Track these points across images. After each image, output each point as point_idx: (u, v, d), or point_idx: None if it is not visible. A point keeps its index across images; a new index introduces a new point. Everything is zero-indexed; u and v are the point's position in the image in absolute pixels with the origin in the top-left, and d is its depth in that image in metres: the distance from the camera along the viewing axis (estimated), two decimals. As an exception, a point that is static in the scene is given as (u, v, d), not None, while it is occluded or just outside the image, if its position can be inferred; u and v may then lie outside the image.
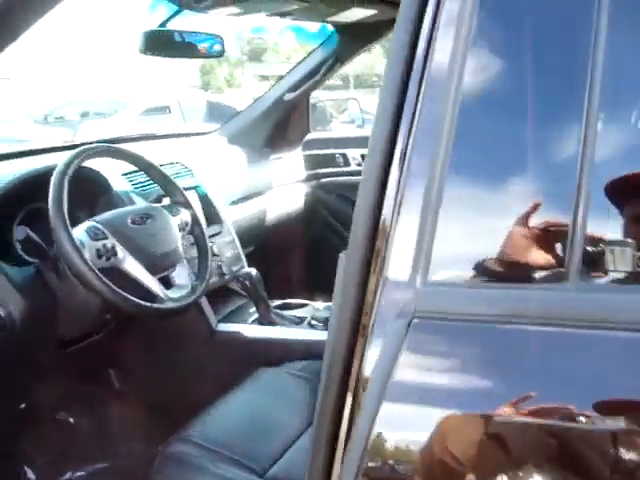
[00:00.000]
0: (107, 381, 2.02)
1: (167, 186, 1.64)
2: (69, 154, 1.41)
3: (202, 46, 1.85)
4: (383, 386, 0.59)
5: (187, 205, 1.63)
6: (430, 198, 0.60)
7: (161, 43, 1.76)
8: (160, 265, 1.48)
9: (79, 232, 1.37)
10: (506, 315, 0.58)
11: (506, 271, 0.61)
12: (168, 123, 9.66)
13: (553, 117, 0.61)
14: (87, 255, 1.33)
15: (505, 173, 0.63)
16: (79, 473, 1.92)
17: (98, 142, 1.76)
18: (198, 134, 2.66)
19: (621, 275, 0.55)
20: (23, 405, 1.68)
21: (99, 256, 1.36)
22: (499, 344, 0.59)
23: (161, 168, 1.65)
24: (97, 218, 1.44)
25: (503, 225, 0.60)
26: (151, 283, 1.42)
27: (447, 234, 0.61)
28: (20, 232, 1.32)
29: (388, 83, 0.66)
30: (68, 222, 1.31)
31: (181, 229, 1.58)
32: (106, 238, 1.38)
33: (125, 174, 1.84)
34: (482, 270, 0.61)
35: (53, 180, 1.34)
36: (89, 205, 1.71)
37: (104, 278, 1.31)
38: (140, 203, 1.74)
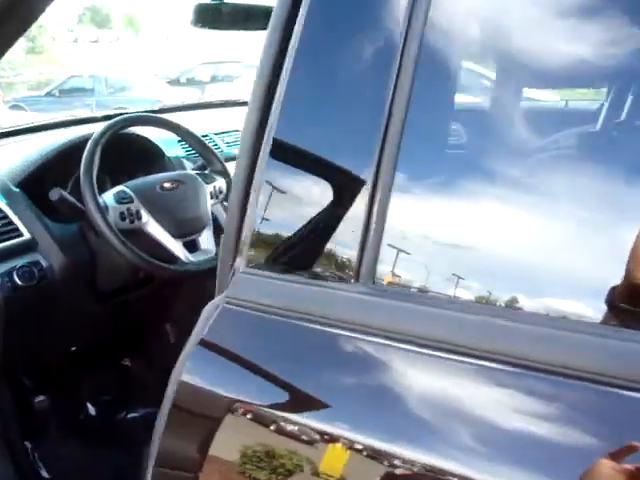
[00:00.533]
0: (164, 335, 2.16)
1: (205, 154, 1.73)
2: (105, 124, 1.52)
3: (255, 19, 1.89)
4: (183, 362, 0.63)
5: (224, 173, 1.71)
6: (258, 185, 0.63)
7: (212, 16, 1.81)
8: (186, 229, 1.57)
9: (108, 196, 1.49)
10: (297, 311, 0.59)
11: (308, 267, 0.62)
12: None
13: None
14: (110, 217, 1.44)
15: (317, 167, 0.63)
16: (133, 414, 2.10)
17: (145, 111, 1.88)
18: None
19: (414, 281, 0.55)
20: (74, 348, 1.85)
21: (122, 218, 1.47)
22: (288, 340, 0.61)
23: (200, 137, 1.73)
24: (128, 183, 1.55)
25: (312, 217, 0.61)
26: (173, 246, 1.52)
27: (267, 223, 0.63)
28: (54, 193, 1.45)
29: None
30: (95, 186, 1.43)
31: (214, 196, 1.66)
32: (132, 202, 1.49)
33: (180, 141, 1.95)
34: (287, 262, 0.62)
35: (87, 148, 1.46)
36: (144, 169, 1.83)
37: (122, 238, 1.42)
38: (187, 169, 1.84)
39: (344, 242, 0.60)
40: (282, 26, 0.67)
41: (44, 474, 1.80)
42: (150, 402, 2.13)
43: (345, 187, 0.62)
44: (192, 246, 1.58)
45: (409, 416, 0.53)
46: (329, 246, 0.61)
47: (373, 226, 0.56)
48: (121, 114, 1.93)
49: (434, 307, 0.54)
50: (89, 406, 2.09)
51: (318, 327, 0.59)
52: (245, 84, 10.96)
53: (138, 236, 1.49)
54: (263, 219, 0.64)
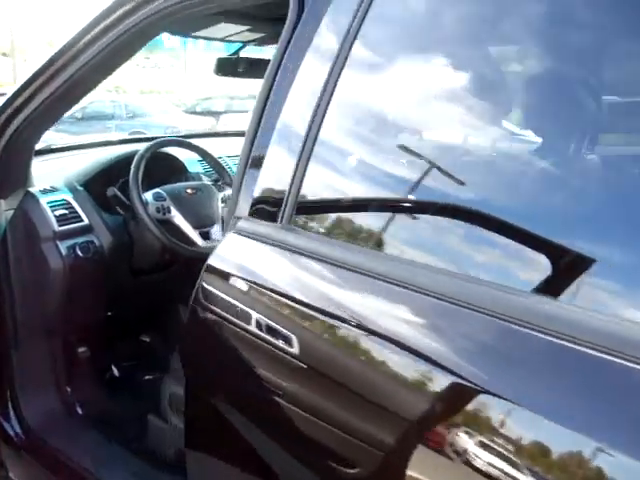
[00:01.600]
0: (177, 314, 2.69)
1: (219, 171, 2.31)
2: (149, 144, 2.10)
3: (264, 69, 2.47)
4: (204, 269, 1.18)
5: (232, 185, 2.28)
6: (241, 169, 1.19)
7: (229, 67, 2.38)
8: (202, 222, 2.13)
9: (148, 195, 2.05)
10: (259, 235, 1.12)
11: (261, 214, 1.15)
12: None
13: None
14: (150, 209, 2.00)
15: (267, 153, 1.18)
16: (148, 377, 2.61)
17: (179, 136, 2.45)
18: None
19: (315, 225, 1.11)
20: (110, 313, 2.38)
21: (157, 211, 2.03)
22: (257, 249, 1.14)
23: (216, 157, 2.31)
24: (163, 187, 2.12)
25: (265, 184, 1.15)
26: (192, 234, 2.07)
27: (268, 176, 1.15)
28: (110, 191, 2.02)
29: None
30: (140, 187, 1.99)
31: (224, 201, 2.22)
32: (164, 200, 2.05)
33: (200, 160, 2.52)
34: (255, 213, 1.16)
35: (135, 159, 2.03)
36: (173, 179, 2.40)
37: (156, 223, 1.98)
38: (204, 181, 2.41)
39: (278, 201, 1.12)
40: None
41: (79, 410, 2.31)
42: (163, 369, 2.65)
43: (280, 164, 1.14)
44: (206, 236, 2.14)
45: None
46: (273, 202, 1.14)
47: (293, 189, 1.08)
48: (151, 138, 2.51)
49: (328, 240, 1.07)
50: (114, 368, 2.61)
51: (267, 246, 1.10)
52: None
53: (168, 225, 2.05)
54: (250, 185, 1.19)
